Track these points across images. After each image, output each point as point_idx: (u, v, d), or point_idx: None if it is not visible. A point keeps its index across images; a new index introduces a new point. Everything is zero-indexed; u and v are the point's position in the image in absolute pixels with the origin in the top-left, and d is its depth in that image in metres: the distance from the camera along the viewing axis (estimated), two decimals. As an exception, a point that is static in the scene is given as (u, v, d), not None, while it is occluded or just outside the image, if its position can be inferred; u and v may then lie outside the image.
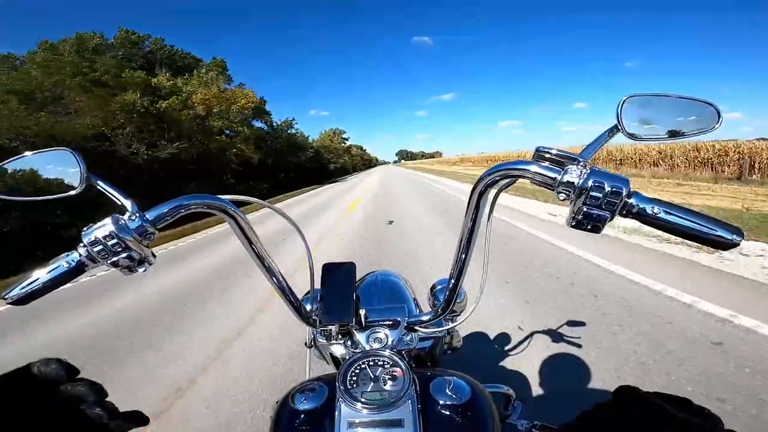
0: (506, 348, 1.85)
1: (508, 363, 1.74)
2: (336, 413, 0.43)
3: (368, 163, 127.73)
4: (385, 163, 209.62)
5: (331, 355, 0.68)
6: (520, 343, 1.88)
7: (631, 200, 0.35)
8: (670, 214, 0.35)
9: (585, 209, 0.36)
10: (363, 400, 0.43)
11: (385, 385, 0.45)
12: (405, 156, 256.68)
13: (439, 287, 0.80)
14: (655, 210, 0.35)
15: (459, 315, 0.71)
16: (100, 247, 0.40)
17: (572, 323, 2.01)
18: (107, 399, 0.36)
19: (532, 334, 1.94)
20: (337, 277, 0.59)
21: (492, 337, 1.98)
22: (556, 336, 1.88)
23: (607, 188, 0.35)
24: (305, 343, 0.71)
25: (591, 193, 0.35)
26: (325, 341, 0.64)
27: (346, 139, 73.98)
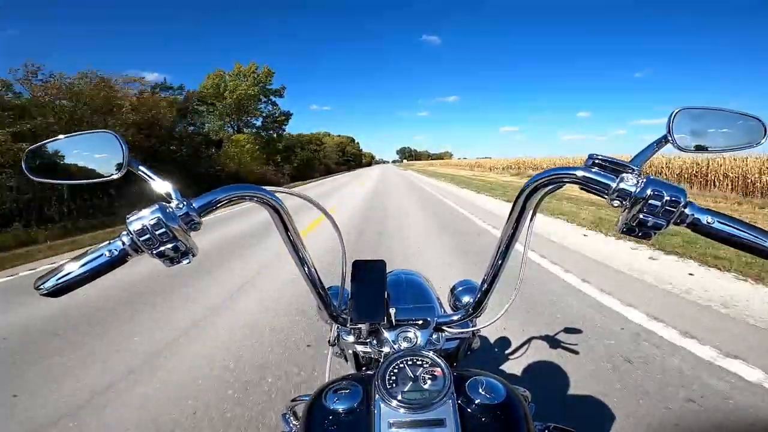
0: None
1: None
2: (375, 413, 0.44)
3: (353, 161, 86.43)
4: (383, 162, 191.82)
5: (354, 353, 0.70)
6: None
7: (687, 210, 0.38)
8: (724, 224, 0.38)
9: (641, 217, 0.39)
10: (402, 399, 0.44)
11: (424, 384, 0.46)
12: (408, 154, 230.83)
13: (459, 288, 0.84)
14: (709, 220, 0.38)
15: (479, 318, 0.73)
16: (147, 236, 0.40)
17: None
18: None
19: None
20: (368, 274, 0.61)
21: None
22: None
23: (666, 197, 0.37)
24: (328, 341, 0.73)
25: (650, 202, 0.38)
26: (349, 339, 0.67)
27: (277, 94, 31.79)
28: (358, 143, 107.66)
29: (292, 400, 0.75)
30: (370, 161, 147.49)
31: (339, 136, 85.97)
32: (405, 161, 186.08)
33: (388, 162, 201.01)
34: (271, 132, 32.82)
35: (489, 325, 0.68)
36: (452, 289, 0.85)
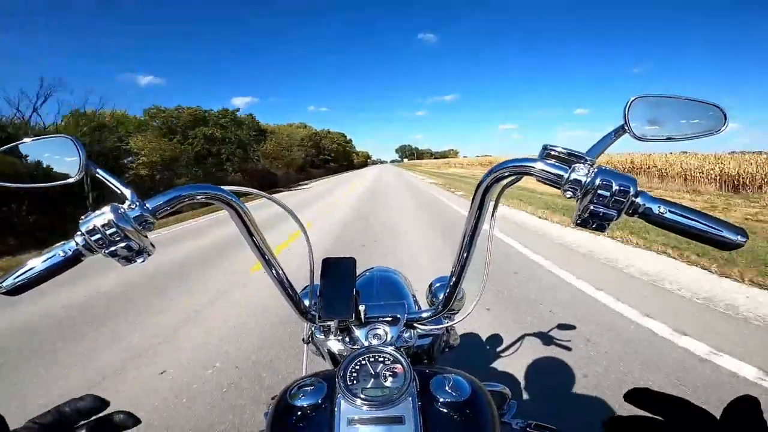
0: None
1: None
2: (335, 409, 0.45)
3: (334, 160, 60.64)
4: (381, 162, 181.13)
5: (329, 351, 0.71)
6: None
7: (638, 200, 0.38)
8: (676, 214, 0.38)
9: (592, 208, 0.39)
10: (363, 396, 0.45)
11: (385, 381, 0.47)
12: (409, 153, 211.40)
13: (437, 285, 0.85)
14: (662, 210, 0.38)
15: (457, 313, 0.74)
16: (98, 236, 0.42)
17: None
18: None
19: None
20: (337, 272, 0.62)
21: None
22: None
23: (615, 187, 0.38)
24: (302, 339, 0.74)
25: (598, 192, 0.38)
26: (323, 337, 0.68)
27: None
28: (350, 140, 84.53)
29: (273, 398, 0.76)
30: (365, 161, 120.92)
31: (329, 131, 65.87)
32: (406, 160, 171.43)
33: (386, 162, 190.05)
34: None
35: (459, 321, 0.69)
36: (430, 286, 0.86)
